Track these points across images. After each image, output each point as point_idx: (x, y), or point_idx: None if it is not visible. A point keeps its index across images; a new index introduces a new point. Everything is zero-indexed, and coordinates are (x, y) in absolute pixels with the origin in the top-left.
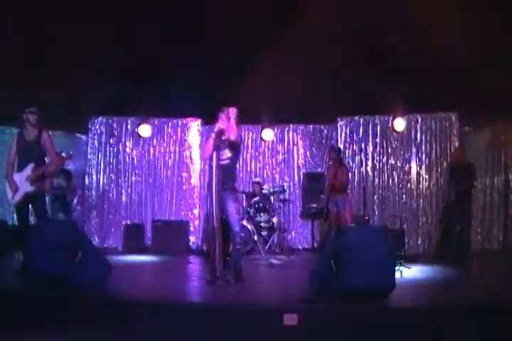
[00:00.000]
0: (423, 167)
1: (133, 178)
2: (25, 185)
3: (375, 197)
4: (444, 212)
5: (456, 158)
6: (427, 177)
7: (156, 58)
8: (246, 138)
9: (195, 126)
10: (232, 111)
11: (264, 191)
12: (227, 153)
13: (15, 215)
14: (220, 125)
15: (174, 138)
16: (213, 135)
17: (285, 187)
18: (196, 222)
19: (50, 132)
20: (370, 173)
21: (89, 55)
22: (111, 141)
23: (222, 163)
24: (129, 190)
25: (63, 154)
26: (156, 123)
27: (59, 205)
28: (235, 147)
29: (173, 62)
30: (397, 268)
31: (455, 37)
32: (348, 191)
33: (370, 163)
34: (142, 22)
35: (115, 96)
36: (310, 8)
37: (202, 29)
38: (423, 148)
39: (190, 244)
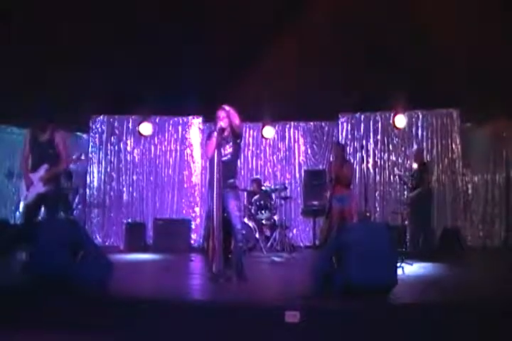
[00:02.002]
0: None
1: (134, 177)
2: (38, 185)
3: (377, 193)
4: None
5: (417, 160)
6: None
7: (156, 56)
8: (247, 135)
9: (196, 123)
10: (227, 106)
11: (265, 188)
12: (228, 149)
13: (17, 214)
14: (221, 123)
15: (175, 136)
16: (215, 134)
17: (286, 185)
18: (198, 220)
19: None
20: (372, 170)
21: (89, 55)
22: (112, 139)
23: (223, 158)
24: (131, 188)
25: (74, 156)
26: (157, 121)
27: (60, 204)
28: (239, 134)
29: (173, 60)
30: (398, 264)
31: (456, 34)
32: (351, 187)
33: (371, 159)
34: (142, 22)
35: (116, 95)
36: (311, 6)
37: (202, 29)
38: (424, 144)
39: (192, 242)
